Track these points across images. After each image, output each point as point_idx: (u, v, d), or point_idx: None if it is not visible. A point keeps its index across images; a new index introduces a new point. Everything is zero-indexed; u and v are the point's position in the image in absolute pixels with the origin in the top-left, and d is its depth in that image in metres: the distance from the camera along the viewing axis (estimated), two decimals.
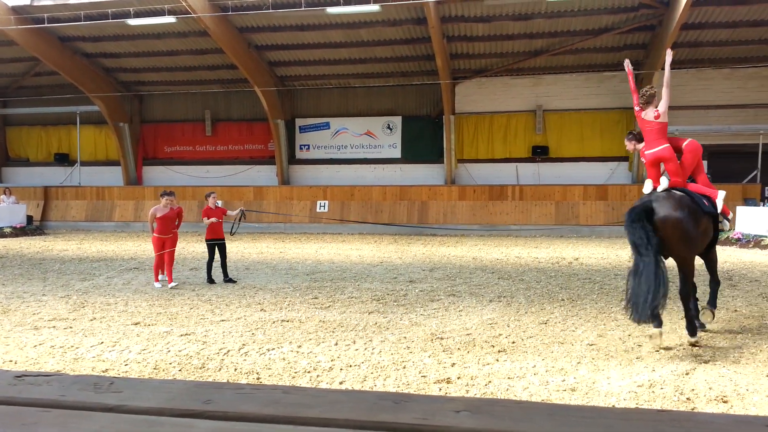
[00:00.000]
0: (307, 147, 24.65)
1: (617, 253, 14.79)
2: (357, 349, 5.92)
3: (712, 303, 6.76)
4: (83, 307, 8.23)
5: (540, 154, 22.38)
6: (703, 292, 7.61)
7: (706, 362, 5.40)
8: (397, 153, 23.88)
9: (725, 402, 4.42)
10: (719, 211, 6.39)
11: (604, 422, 0.95)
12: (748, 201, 19.42)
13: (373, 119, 23.99)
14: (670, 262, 6.10)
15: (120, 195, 24.76)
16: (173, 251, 10.15)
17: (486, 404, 1.03)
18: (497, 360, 5.52)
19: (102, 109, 24.40)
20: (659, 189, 6.32)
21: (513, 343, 6.16)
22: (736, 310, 7.73)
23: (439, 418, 0.97)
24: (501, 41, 20.72)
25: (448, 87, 21.78)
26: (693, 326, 6.04)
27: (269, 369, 5.32)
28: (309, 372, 5.23)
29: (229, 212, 11.01)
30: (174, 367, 5.41)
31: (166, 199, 9.95)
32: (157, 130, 26.03)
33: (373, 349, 5.94)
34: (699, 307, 6.63)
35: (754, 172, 20.73)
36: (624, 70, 7.47)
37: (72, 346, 6.12)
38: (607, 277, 10.76)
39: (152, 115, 26.20)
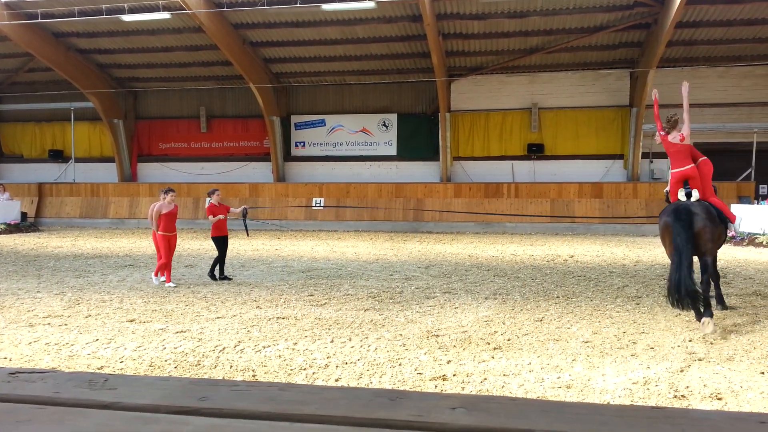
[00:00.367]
0: (302, 144, 24.62)
1: (612, 251, 14.84)
2: (353, 347, 5.93)
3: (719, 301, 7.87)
4: (78, 304, 8.20)
5: (535, 151, 22.42)
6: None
7: (700, 360, 5.43)
8: (392, 150, 23.88)
9: (719, 399, 4.44)
10: (732, 223, 8.06)
11: (599, 419, 0.95)
12: (742, 199, 19.52)
13: (369, 116, 23.98)
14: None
15: (114, 192, 24.68)
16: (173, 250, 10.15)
17: (481, 401, 1.03)
18: (493, 357, 5.53)
19: (96, 105, 24.30)
20: (693, 199, 7.38)
21: (508, 340, 6.17)
22: (731, 308, 7.77)
23: (434, 415, 0.97)
24: (496, 39, 20.73)
25: (444, 84, 21.79)
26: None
27: (265, 366, 5.32)
28: (305, 369, 5.23)
29: (232, 209, 10.99)
30: (169, 364, 5.41)
31: (171, 195, 9.89)
32: (151, 127, 25.94)
33: (369, 346, 5.95)
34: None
35: (748, 170, 20.83)
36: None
37: (67, 343, 6.10)
38: (602, 275, 10.79)
39: (147, 112, 26.10)
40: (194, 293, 9.04)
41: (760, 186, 20.87)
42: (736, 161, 20.75)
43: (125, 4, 18.69)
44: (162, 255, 9.71)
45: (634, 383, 4.78)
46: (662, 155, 9.12)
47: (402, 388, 4.73)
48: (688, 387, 4.68)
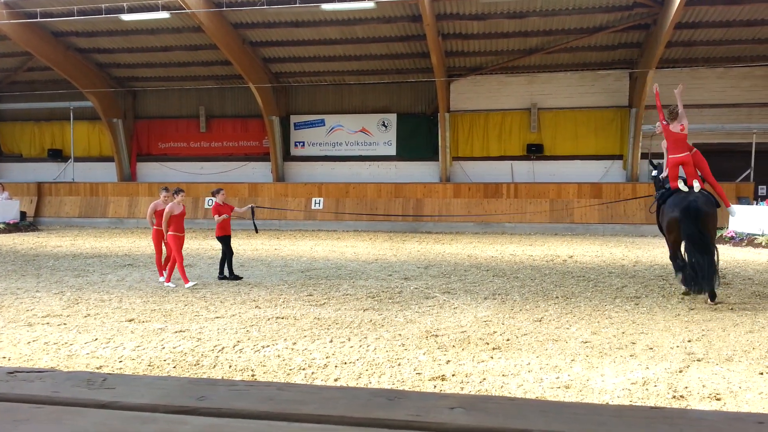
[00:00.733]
0: (302, 144, 24.61)
1: (611, 251, 14.85)
2: (352, 346, 5.93)
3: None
4: (77, 303, 8.19)
5: (535, 152, 22.42)
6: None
7: (699, 360, 5.43)
8: (392, 150, 23.88)
9: (718, 399, 4.45)
10: (728, 207, 9.16)
11: (597, 419, 0.95)
12: (741, 199, 19.52)
13: (368, 116, 23.97)
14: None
15: (114, 191, 24.66)
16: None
17: (479, 401, 1.03)
18: (492, 357, 5.53)
19: (95, 104, 24.28)
20: (695, 189, 8.39)
21: (507, 340, 6.17)
22: (730, 308, 7.78)
23: (433, 414, 0.97)
24: (496, 39, 20.73)
25: (443, 84, 21.79)
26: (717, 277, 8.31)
27: (264, 366, 5.32)
28: (304, 369, 5.23)
29: (236, 209, 10.99)
30: (168, 363, 5.40)
31: (181, 196, 9.87)
32: (151, 126, 25.93)
33: (368, 346, 5.95)
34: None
35: (747, 171, 20.84)
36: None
37: (66, 343, 6.10)
38: (601, 275, 10.80)
39: (146, 111, 26.08)
40: (193, 293, 9.03)
41: (759, 186, 20.88)
42: (735, 162, 20.77)
43: (125, 4, 18.68)
44: (175, 256, 9.64)
45: (632, 383, 4.78)
46: (662, 156, 9.59)
47: (401, 388, 4.73)
48: (686, 387, 4.68)
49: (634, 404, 4.15)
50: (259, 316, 7.39)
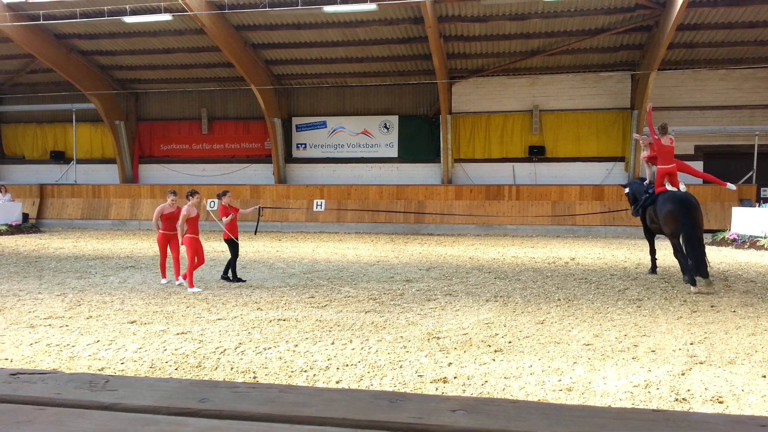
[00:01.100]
0: (303, 146, 24.63)
1: (613, 253, 14.83)
2: (354, 349, 5.92)
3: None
4: (79, 305, 8.20)
5: (536, 154, 22.42)
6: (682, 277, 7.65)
7: (701, 363, 5.42)
8: (393, 152, 23.89)
9: (721, 402, 4.43)
10: (724, 186, 10.84)
11: (599, 422, 0.95)
12: (743, 202, 19.50)
13: (370, 118, 23.99)
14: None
15: (116, 193, 24.70)
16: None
17: (481, 403, 1.03)
18: (494, 360, 5.53)
19: (98, 106, 24.34)
20: (681, 189, 9.70)
21: (509, 342, 6.16)
22: (733, 311, 7.76)
23: (434, 417, 0.97)
24: (497, 41, 20.75)
25: (445, 86, 21.80)
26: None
27: (266, 368, 5.31)
28: (305, 371, 5.22)
29: (241, 210, 11.01)
30: (170, 365, 5.40)
31: (196, 198, 9.87)
32: (153, 128, 25.97)
33: (370, 348, 5.94)
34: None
35: (750, 173, 20.80)
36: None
37: (68, 345, 6.10)
38: (603, 277, 10.78)
39: (148, 113, 26.14)
40: (195, 295, 9.04)
41: (762, 189, 20.84)
42: (738, 164, 20.74)
43: (127, 6, 18.74)
44: (197, 257, 9.61)
45: (635, 386, 4.77)
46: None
47: (403, 391, 4.72)
48: (689, 390, 4.67)
49: (636, 407, 4.15)
50: (261, 318, 7.39)
